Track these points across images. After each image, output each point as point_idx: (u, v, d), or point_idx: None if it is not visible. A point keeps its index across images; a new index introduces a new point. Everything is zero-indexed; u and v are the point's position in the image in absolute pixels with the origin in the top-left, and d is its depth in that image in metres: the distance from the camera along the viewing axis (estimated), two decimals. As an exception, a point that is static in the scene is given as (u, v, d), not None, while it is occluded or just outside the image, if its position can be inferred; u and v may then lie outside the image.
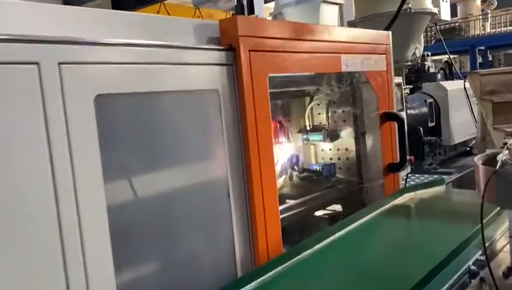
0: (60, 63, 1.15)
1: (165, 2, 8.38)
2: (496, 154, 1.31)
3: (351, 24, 3.85)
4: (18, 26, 1.11)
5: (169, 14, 8.28)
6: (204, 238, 1.59)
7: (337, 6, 2.88)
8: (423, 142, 2.73)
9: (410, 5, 3.56)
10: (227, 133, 1.62)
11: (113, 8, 10.55)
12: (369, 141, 2.60)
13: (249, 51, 1.65)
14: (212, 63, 1.57)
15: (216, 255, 1.61)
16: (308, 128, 2.76)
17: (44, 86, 1.12)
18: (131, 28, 1.39)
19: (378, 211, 2.03)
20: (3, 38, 1.04)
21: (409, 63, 3.88)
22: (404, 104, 3.50)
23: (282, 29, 1.81)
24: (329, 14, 2.84)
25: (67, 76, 1.16)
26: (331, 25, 2.02)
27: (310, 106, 2.76)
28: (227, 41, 1.64)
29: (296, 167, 2.52)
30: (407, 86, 3.80)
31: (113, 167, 1.30)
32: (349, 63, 2.17)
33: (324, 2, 2.79)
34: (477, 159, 1.37)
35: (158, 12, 8.45)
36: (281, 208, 2.34)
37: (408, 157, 2.75)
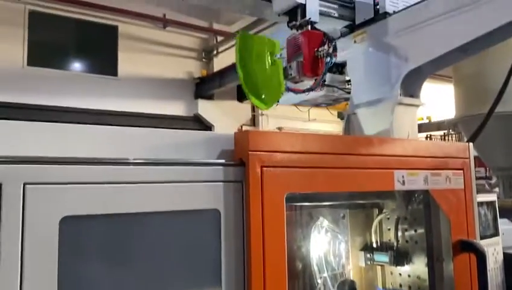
0: (25, 184, 1.14)
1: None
2: None
3: (451, 124, 3.42)
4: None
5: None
6: None
7: (415, 108, 2.58)
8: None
9: (521, 106, 3.04)
10: (227, 260, 1.43)
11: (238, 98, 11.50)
12: (447, 272, 2.11)
13: (262, 167, 1.49)
14: (214, 180, 1.44)
15: None
16: (374, 245, 2.38)
17: (3, 207, 1.10)
18: (125, 143, 1.36)
19: None
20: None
21: (525, 172, 3.23)
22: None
23: (307, 143, 1.61)
24: (405, 117, 2.55)
25: (31, 197, 1.14)
26: (379, 136, 1.75)
27: (377, 219, 2.40)
28: (239, 156, 1.52)
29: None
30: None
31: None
32: (407, 180, 1.83)
33: (400, 104, 2.53)
34: None
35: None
36: None
37: (505, 296, 2.17)
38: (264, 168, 1.49)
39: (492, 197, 2.31)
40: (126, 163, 1.29)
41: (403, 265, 2.24)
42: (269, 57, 2.36)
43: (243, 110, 11.83)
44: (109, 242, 1.29)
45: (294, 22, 2.34)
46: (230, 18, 11.41)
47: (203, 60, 11.63)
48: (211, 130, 10.93)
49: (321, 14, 2.67)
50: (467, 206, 2.00)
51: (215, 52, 11.47)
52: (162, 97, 10.74)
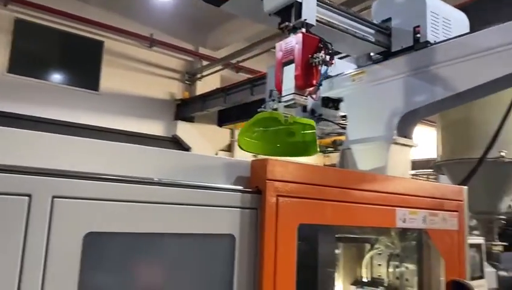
0: (54, 197, 1.13)
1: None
2: None
3: (437, 167, 3.56)
4: (25, 157, 1.13)
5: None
6: None
7: (409, 149, 2.68)
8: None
9: (503, 154, 3.19)
10: (239, 284, 1.43)
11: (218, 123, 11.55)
12: (438, 311, 2.16)
13: (277, 195, 1.52)
14: (231, 205, 1.46)
15: None
16: (364, 280, 2.42)
17: (30, 219, 1.09)
18: (147, 165, 1.36)
19: None
20: (-5, 169, 1.05)
21: (503, 217, 3.37)
22: (496, 264, 2.97)
23: (320, 175, 1.66)
24: (400, 156, 2.65)
25: (58, 210, 1.12)
26: (383, 174, 1.82)
27: (369, 255, 2.44)
28: (256, 184, 1.54)
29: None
30: (501, 243, 3.26)
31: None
32: (408, 219, 1.90)
33: (395, 143, 2.62)
34: None
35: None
36: None
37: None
38: (280, 198, 1.52)
39: (480, 240, 2.40)
40: (150, 183, 1.30)
41: (392, 302, 2.28)
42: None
43: (222, 135, 11.87)
44: (126, 260, 1.28)
45: (286, 23, 1.97)
46: (217, 43, 11.59)
47: (186, 82, 11.69)
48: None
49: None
50: (460, 248, 2.08)
51: (199, 75, 11.56)
52: (142, 116, 10.68)
